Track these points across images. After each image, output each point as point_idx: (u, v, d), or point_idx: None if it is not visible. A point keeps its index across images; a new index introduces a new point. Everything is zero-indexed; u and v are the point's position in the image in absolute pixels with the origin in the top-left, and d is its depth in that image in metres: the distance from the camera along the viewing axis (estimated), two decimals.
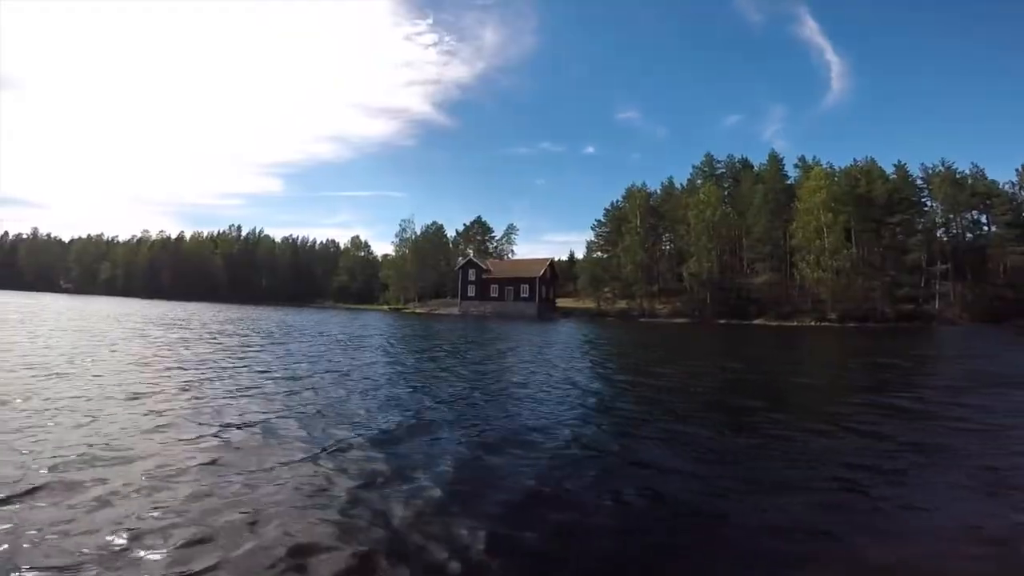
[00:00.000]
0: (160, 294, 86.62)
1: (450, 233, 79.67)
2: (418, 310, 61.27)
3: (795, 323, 42.59)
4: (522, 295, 55.02)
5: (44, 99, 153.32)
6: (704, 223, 50.31)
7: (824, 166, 52.73)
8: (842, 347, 20.72)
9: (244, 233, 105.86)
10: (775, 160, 58.81)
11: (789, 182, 56.17)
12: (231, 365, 9.45)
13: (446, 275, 69.34)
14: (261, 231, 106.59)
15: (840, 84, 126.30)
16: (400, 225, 75.68)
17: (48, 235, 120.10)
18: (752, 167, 61.70)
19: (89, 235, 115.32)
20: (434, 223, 76.99)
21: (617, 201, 64.43)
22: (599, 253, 64.10)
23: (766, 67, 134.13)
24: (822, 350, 19.87)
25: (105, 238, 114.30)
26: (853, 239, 47.20)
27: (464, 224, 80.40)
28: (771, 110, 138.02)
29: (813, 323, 42.24)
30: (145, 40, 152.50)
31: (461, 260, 63.63)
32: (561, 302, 60.61)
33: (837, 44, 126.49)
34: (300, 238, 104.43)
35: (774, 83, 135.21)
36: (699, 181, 61.79)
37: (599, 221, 65.94)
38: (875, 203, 49.27)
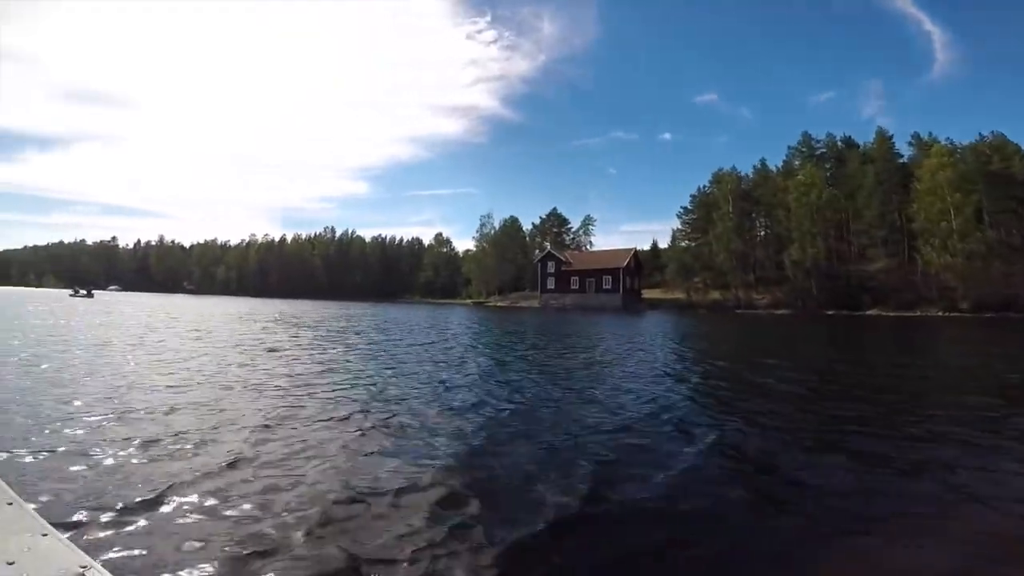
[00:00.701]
0: (267, 293, 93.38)
1: (526, 226, 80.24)
2: (499, 303, 62.37)
3: (918, 313, 38.29)
4: (604, 286, 54.23)
5: (159, 117, 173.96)
6: (806, 207, 46.64)
7: (944, 143, 47.00)
8: (983, 339, 18.18)
9: (338, 234, 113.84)
10: (884, 138, 53.11)
11: (902, 161, 50.78)
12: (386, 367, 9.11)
13: (524, 268, 69.96)
14: (353, 232, 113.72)
15: (945, 56, 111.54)
16: (480, 220, 77.13)
17: (172, 242, 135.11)
18: (857, 146, 56.29)
19: (207, 240, 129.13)
20: (511, 217, 77.75)
21: (704, 187, 61.59)
22: (687, 242, 61.72)
23: (857, 41, 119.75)
24: (957, 343, 17.52)
25: (219, 243, 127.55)
26: (987, 220, 41.78)
27: (540, 217, 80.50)
28: (868, 86, 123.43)
29: (940, 313, 37.70)
30: (241, 58, 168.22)
31: (539, 253, 63.85)
32: (647, 293, 59.05)
33: (935, 16, 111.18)
34: (388, 237, 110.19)
35: (868, 58, 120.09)
36: (797, 162, 57.35)
37: (685, 208, 63.31)
38: (1014, 180, 43.22)
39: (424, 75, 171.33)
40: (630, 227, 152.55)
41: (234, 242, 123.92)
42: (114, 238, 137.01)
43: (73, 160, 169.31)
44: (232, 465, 3.64)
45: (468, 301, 69.35)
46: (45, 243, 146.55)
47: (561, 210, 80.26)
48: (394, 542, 2.62)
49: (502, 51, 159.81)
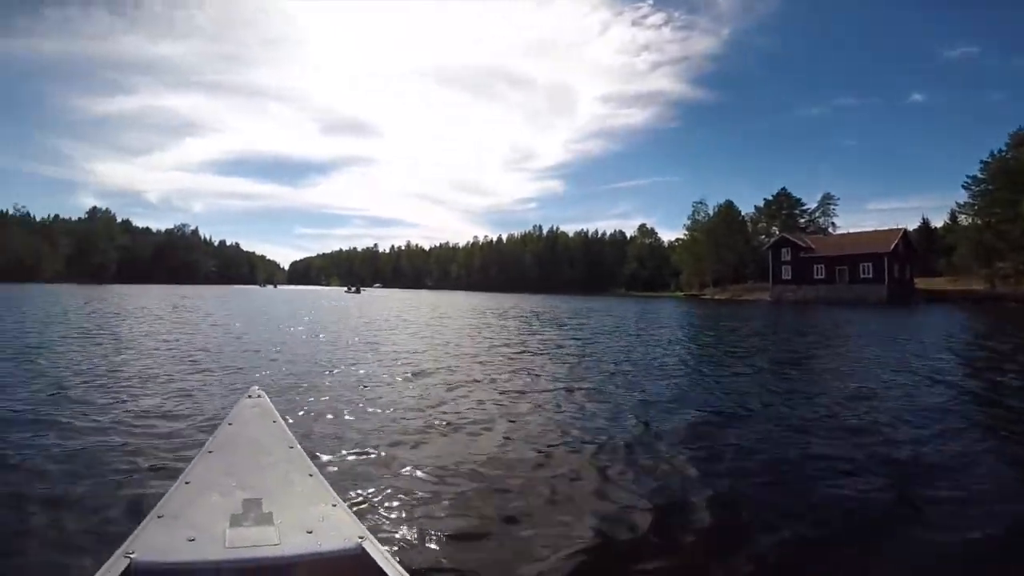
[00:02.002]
0: (490, 288, 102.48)
1: (746, 211, 70.60)
2: (718, 296, 56.02)
3: None
4: (863, 275, 43.57)
5: (397, 143, 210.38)
6: None
7: None
8: None
9: (545, 231, 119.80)
10: None
11: None
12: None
13: (745, 256, 62.13)
14: (557, 228, 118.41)
15: None
16: (692, 207, 70.75)
17: (416, 246, 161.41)
18: None
19: (441, 244, 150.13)
20: (726, 202, 69.37)
21: (1000, 151, 44.72)
22: (979, 219, 45.87)
23: None
24: None
25: (451, 245, 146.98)
26: None
27: (765, 199, 69.54)
28: None
29: None
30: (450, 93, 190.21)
31: (766, 239, 54.98)
32: (920, 283, 45.86)
33: None
34: (590, 231, 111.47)
35: None
36: None
37: (974, 178, 46.93)
38: None
39: (598, 69, 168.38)
40: (880, 205, 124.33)
41: (462, 244, 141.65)
42: (376, 245, 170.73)
43: (343, 182, 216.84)
44: (506, 449, 3.58)
45: (679, 294, 64.39)
46: (330, 251, 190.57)
47: (790, 189, 68.26)
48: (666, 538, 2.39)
49: (676, 32, 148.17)
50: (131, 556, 1.13)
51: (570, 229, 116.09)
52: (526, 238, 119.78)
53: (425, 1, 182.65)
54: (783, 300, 45.49)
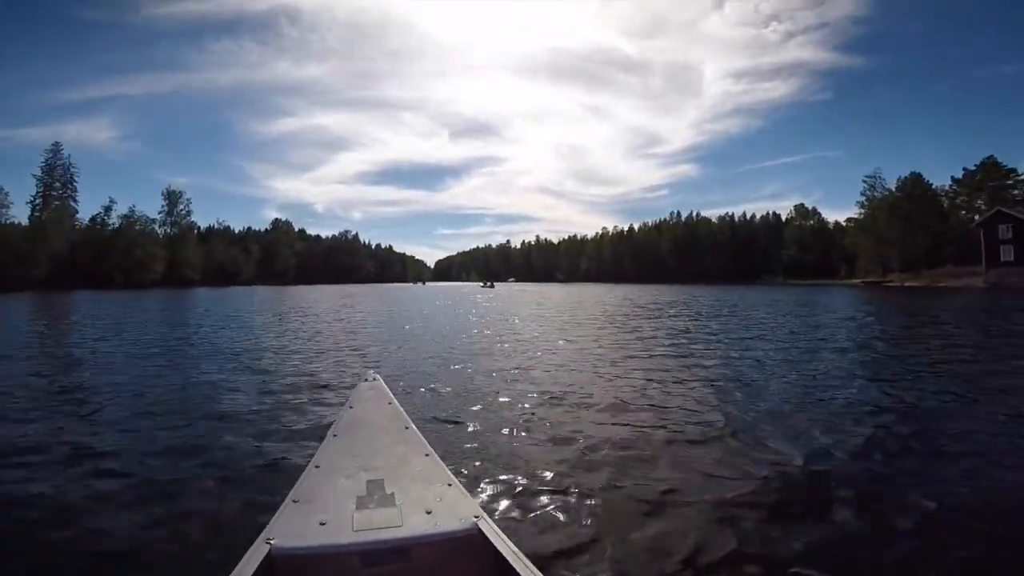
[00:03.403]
0: (623, 279, 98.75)
1: (936, 183, 59.35)
2: (909, 283, 48.19)
3: None
4: None
5: (518, 140, 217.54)
6: None
7: None
8: None
9: (683, 217, 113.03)
10: None
11: None
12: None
13: (943, 236, 52.80)
14: (698, 214, 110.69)
15: None
16: (864, 182, 61.59)
17: (546, 240, 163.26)
18: None
19: (570, 236, 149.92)
20: (912, 174, 59.18)
21: None
22: None
23: None
24: None
25: (579, 238, 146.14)
26: None
27: (964, 169, 57.60)
28: None
29: None
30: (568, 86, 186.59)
31: (967, 215, 45.59)
32: None
33: None
34: (736, 215, 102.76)
35: None
36: None
37: None
38: None
39: (721, 45, 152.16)
40: None
41: (590, 236, 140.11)
42: (508, 241, 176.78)
43: (473, 183, 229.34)
44: (629, 440, 3.43)
45: (856, 281, 56.64)
46: (469, 249, 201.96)
47: (1001, 158, 55.42)
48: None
49: None
50: (271, 542, 1.23)
51: (712, 214, 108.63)
52: (661, 226, 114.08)
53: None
54: (1004, 285, 37.68)
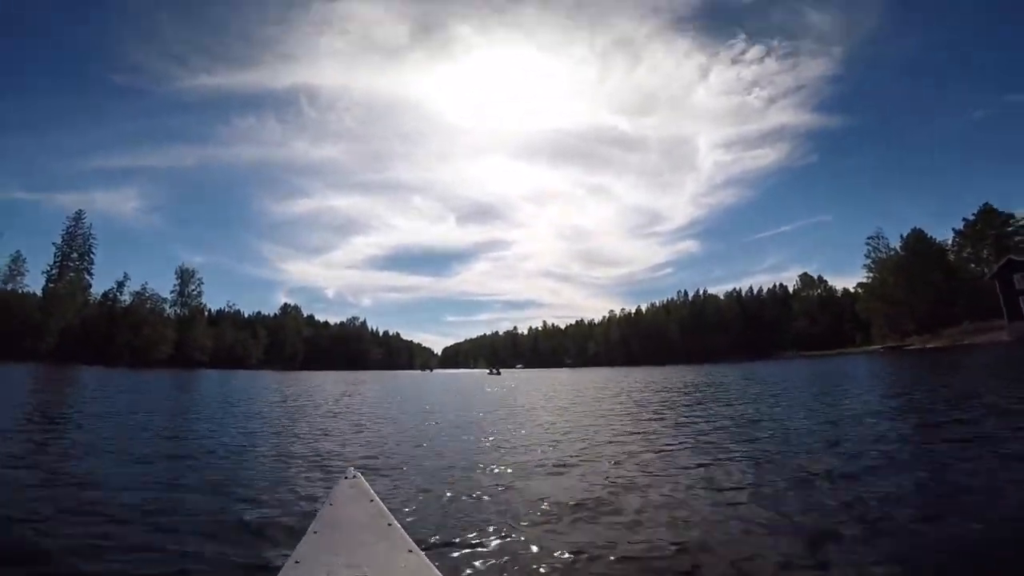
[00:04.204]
0: (632, 362, 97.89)
1: (939, 238, 59.57)
2: (930, 344, 46.42)
3: None
4: None
5: (522, 224, 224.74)
6: None
7: None
8: None
9: (691, 296, 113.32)
10: None
11: None
12: None
13: (954, 293, 52.26)
14: (705, 291, 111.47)
15: None
16: (867, 244, 61.87)
17: (552, 325, 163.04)
18: None
19: (577, 321, 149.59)
20: (913, 230, 59.67)
21: None
22: None
23: None
24: None
25: (586, 322, 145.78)
26: None
27: (964, 219, 57.48)
28: None
29: None
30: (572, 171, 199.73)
31: (977, 267, 44.96)
32: None
33: None
34: (743, 289, 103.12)
35: None
36: None
37: None
38: None
39: (709, 115, 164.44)
40: None
41: (597, 319, 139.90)
42: (515, 328, 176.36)
43: (480, 269, 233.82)
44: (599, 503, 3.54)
45: (874, 348, 54.56)
46: (476, 336, 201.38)
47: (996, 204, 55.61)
48: None
49: (782, 61, 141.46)
50: None
51: (719, 291, 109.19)
52: (669, 306, 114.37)
53: (521, 80, 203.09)
54: None
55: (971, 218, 56.28)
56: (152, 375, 34.04)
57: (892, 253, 58.68)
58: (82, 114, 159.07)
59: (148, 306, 72.33)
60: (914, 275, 54.69)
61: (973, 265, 53.51)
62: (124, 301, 70.90)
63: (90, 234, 66.40)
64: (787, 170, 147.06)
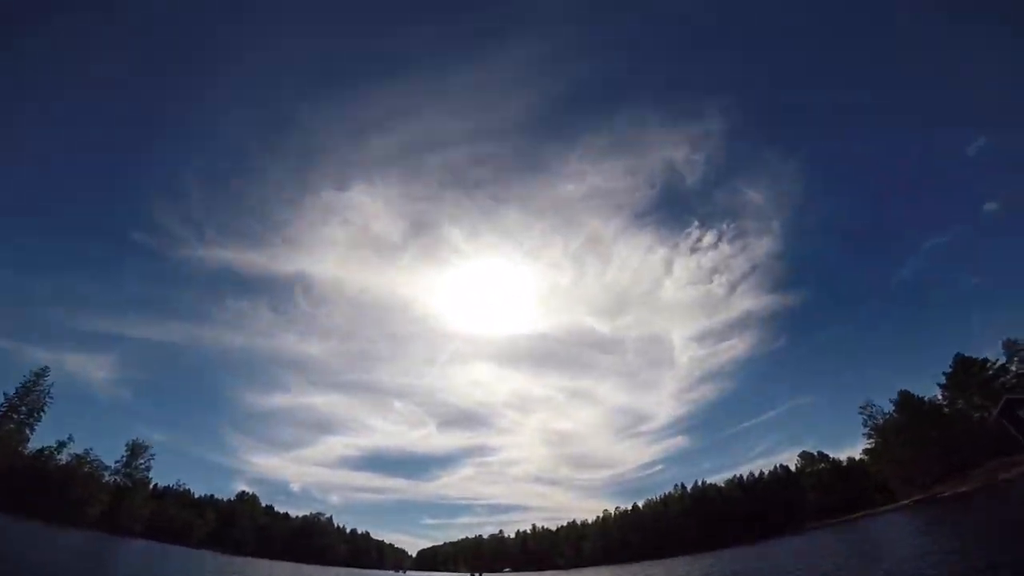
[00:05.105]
0: (631, 558, 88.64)
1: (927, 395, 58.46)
2: (963, 488, 42.31)
3: None
4: None
5: (506, 431, 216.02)
6: None
7: None
8: None
9: (689, 488, 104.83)
10: None
11: None
12: None
13: (959, 438, 50.21)
14: (703, 481, 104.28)
15: None
16: (860, 413, 61.58)
17: (543, 528, 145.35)
18: None
19: (568, 523, 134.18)
20: (900, 392, 59.26)
21: None
22: None
23: None
24: None
25: (579, 522, 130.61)
26: None
27: (944, 373, 56.76)
28: None
29: None
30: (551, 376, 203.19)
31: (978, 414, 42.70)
32: None
33: None
34: (745, 475, 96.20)
35: None
36: None
37: None
38: None
39: (680, 308, 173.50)
40: None
41: (590, 520, 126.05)
42: (501, 531, 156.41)
43: (462, 473, 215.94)
44: None
45: (903, 503, 48.73)
46: (456, 539, 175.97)
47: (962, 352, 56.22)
48: None
49: (733, 244, 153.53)
50: None
51: (716, 480, 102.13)
52: (668, 499, 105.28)
53: (504, 284, 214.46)
54: None
55: (949, 370, 56.21)
56: (64, 534, 29.75)
57: (888, 417, 57.32)
58: (84, 265, 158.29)
59: (86, 469, 67.21)
60: (915, 434, 52.41)
61: (977, 415, 51.26)
62: (60, 460, 65.71)
63: (47, 392, 63.88)
64: (759, 359, 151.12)
